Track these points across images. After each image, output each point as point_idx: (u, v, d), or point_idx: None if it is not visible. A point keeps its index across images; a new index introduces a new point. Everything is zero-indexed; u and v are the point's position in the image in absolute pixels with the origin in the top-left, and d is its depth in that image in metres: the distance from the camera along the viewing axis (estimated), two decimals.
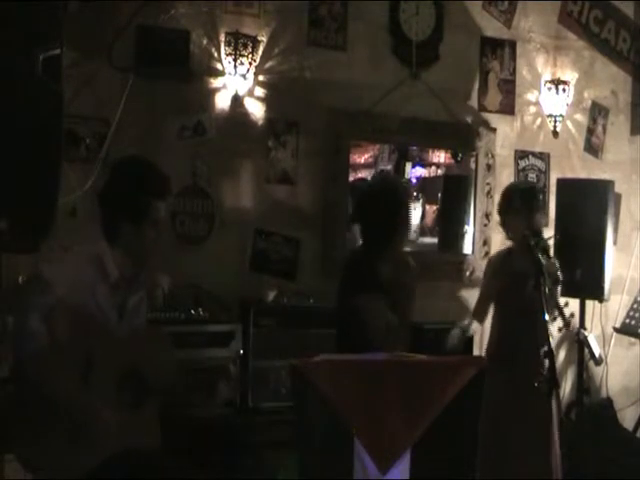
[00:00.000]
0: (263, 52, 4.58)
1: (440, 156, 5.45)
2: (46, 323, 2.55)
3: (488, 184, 5.17)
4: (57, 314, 2.57)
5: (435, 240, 5.27)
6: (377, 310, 3.26)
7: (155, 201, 2.79)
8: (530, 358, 3.65)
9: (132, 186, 2.78)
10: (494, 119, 5.25)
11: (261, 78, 4.58)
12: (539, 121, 5.38)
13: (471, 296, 5.09)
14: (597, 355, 4.49)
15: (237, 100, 4.51)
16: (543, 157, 5.41)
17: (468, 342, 4.26)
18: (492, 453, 3.61)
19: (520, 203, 3.88)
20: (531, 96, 5.37)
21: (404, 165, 5.34)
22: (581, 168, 5.48)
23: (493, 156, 5.22)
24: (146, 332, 2.88)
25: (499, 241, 5.20)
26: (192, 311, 4.04)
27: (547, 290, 3.25)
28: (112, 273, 2.73)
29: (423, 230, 5.30)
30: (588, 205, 4.75)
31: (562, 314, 3.60)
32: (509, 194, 4.01)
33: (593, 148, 5.57)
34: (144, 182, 2.79)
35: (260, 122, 4.60)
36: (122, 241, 2.76)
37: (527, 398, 3.61)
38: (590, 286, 4.71)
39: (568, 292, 4.55)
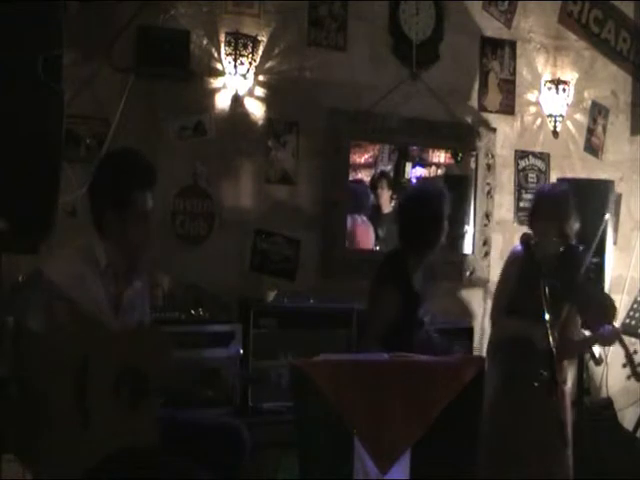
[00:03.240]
0: (263, 52, 4.58)
1: (440, 156, 5.45)
2: (46, 322, 2.55)
3: (488, 184, 5.17)
4: (56, 312, 2.58)
5: None
6: None
7: (138, 192, 2.78)
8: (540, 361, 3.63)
9: (113, 177, 2.79)
10: (494, 119, 5.25)
11: (261, 78, 4.58)
12: (539, 121, 5.38)
13: (471, 296, 5.11)
14: (597, 355, 4.47)
15: (237, 100, 4.51)
16: (543, 157, 5.41)
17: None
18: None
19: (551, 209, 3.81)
20: (531, 96, 5.37)
21: (404, 165, 5.35)
22: (581, 168, 5.48)
23: (493, 156, 5.22)
24: (145, 330, 2.87)
25: (499, 241, 5.21)
26: (192, 311, 4.04)
27: (546, 290, 3.23)
28: (101, 262, 2.73)
29: None
30: (588, 205, 4.74)
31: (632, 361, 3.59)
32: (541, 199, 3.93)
33: (593, 148, 5.57)
34: (126, 173, 2.80)
35: (260, 122, 4.60)
36: (111, 233, 2.76)
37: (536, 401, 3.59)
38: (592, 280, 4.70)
39: None
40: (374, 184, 5.57)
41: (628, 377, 3.95)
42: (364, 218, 5.08)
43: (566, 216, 3.81)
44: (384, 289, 3.61)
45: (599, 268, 4.70)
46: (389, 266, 3.72)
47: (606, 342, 3.70)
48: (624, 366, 3.45)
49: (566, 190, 3.95)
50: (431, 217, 3.64)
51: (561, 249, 3.65)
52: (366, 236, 5.10)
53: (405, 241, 3.73)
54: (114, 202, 2.76)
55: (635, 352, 3.81)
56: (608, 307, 3.78)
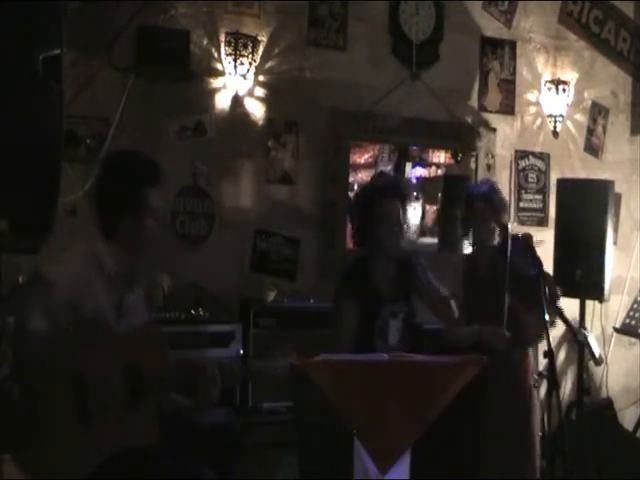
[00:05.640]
0: (263, 52, 4.58)
1: (440, 156, 5.45)
2: (46, 323, 2.55)
3: None
4: (57, 314, 2.58)
5: (435, 240, 5.27)
6: None
7: (148, 189, 2.80)
8: (508, 361, 3.61)
9: (123, 177, 2.81)
10: (494, 119, 5.26)
11: (261, 78, 4.58)
12: (539, 121, 5.38)
13: None
14: (597, 355, 4.48)
15: (237, 100, 4.51)
16: (543, 157, 5.41)
17: None
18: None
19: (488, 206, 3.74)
20: (531, 96, 5.37)
21: (404, 165, 5.34)
22: (581, 168, 5.48)
23: (493, 156, 5.23)
24: (143, 329, 2.87)
25: None
26: (192, 311, 4.04)
27: (547, 290, 3.24)
28: (109, 267, 2.74)
29: (423, 230, 5.30)
30: (588, 205, 4.75)
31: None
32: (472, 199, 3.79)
33: (593, 148, 5.57)
34: (134, 171, 2.81)
35: (260, 122, 4.61)
36: (120, 235, 2.77)
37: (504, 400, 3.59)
38: (590, 286, 4.70)
39: (568, 292, 4.55)
40: None
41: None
42: None
43: (504, 210, 3.76)
44: (341, 306, 3.45)
45: (599, 268, 4.70)
46: (346, 277, 3.53)
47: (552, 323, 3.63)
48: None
49: (494, 184, 3.88)
50: (368, 212, 3.44)
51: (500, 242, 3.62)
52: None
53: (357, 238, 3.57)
54: (127, 202, 2.77)
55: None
56: (555, 288, 3.73)
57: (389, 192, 3.46)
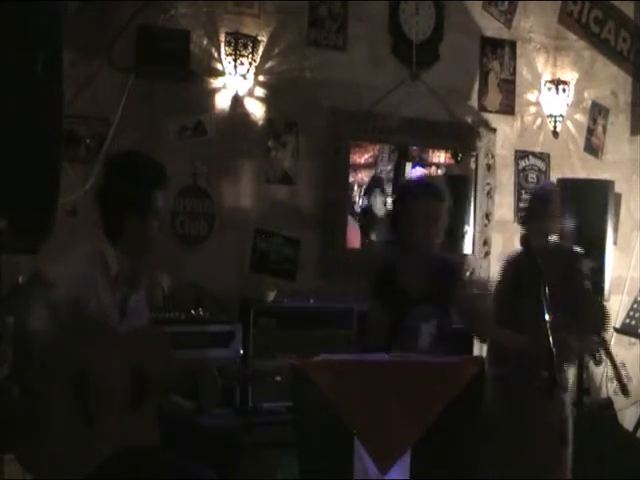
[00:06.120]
0: (263, 52, 4.58)
1: (440, 156, 5.45)
2: (47, 323, 2.56)
3: (488, 184, 5.17)
4: (59, 313, 2.58)
5: None
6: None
7: (155, 191, 2.83)
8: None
9: (131, 179, 2.82)
10: (494, 119, 5.25)
11: (261, 78, 4.58)
12: (539, 121, 5.38)
13: None
14: (597, 355, 4.47)
15: (237, 100, 4.51)
16: (543, 157, 5.41)
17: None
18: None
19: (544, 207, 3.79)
20: (531, 96, 5.37)
21: (404, 165, 5.34)
22: (581, 168, 5.48)
23: (493, 156, 5.23)
24: (146, 331, 2.88)
25: (499, 241, 5.21)
26: (192, 311, 4.04)
27: (546, 291, 3.23)
28: (113, 267, 2.75)
29: None
30: (588, 205, 4.75)
31: (619, 375, 3.56)
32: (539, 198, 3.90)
33: (593, 148, 5.57)
34: (142, 173, 2.83)
35: (260, 122, 4.61)
36: (124, 236, 2.78)
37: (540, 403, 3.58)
38: (590, 286, 4.70)
39: None
40: (370, 189, 5.57)
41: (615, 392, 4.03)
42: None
43: (553, 215, 3.78)
44: (370, 302, 3.46)
45: (599, 268, 4.70)
46: (377, 273, 3.51)
47: (592, 350, 3.70)
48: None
49: (552, 189, 3.91)
50: (403, 210, 3.42)
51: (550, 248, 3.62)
52: (353, 234, 5.08)
53: (391, 236, 3.57)
54: (135, 204, 2.77)
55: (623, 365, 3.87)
56: (604, 315, 3.76)
57: (428, 191, 3.41)
